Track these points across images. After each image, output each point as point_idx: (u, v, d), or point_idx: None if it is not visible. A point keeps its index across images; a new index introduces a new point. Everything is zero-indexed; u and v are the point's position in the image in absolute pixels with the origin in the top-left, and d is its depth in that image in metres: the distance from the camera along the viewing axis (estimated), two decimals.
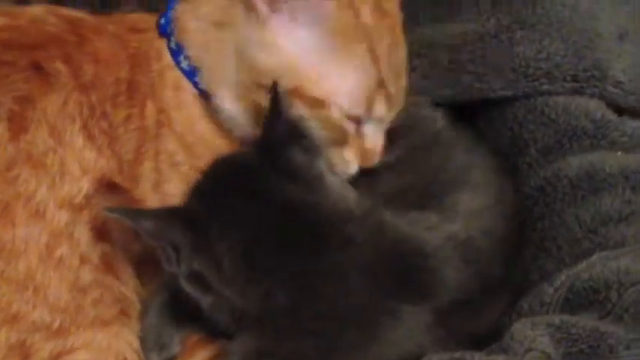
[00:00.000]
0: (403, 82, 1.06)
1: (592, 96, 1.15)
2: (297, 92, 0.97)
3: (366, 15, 1.02)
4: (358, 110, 1.01)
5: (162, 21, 1.07)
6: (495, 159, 1.12)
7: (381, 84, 1.02)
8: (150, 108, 1.03)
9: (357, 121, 1.02)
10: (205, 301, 0.91)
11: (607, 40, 1.18)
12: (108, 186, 0.99)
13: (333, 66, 1.00)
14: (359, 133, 1.04)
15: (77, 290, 0.96)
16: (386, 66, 1.02)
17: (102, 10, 1.19)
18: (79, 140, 0.97)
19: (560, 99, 1.15)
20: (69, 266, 0.95)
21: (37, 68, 0.98)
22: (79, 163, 0.97)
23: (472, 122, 1.18)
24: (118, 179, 1.00)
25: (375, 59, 1.01)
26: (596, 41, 1.17)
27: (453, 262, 0.92)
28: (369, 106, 1.02)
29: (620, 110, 1.15)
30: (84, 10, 1.12)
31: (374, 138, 1.05)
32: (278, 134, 0.93)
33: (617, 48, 1.19)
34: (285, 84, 0.94)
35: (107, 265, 0.98)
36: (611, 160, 1.06)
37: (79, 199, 0.96)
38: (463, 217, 0.98)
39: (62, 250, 0.95)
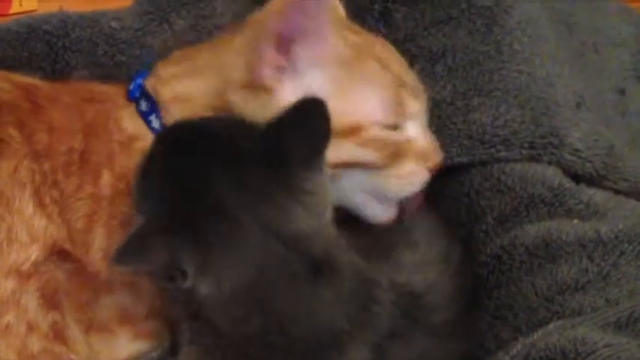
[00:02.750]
0: (414, 75, 1.12)
1: (549, 163, 1.17)
2: (336, 131, 0.98)
3: (352, 36, 1.09)
4: (394, 117, 1.06)
5: (131, 87, 1.12)
6: (441, 224, 1.15)
7: (400, 82, 1.08)
8: (106, 177, 1.05)
9: (402, 128, 1.08)
10: (175, 294, 0.93)
11: (564, 108, 1.22)
12: (59, 253, 1.00)
13: (351, 91, 1.06)
14: (408, 140, 1.08)
15: (25, 358, 0.96)
16: (394, 64, 1.09)
17: (53, 77, 1.23)
18: (29, 207, 0.99)
19: (517, 166, 1.17)
20: (16, 334, 0.96)
21: None
22: (27, 231, 0.98)
23: (428, 188, 1.18)
24: (68, 247, 1.01)
25: (383, 64, 1.07)
26: (554, 108, 1.20)
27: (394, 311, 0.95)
28: (401, 106, 1.07)
29: (576, 178, 1.18)
30: (35, 76, 1.16)
31: (423, 136, 1.10)
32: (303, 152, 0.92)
33: (574, 116, 1.22)
34: None
35: (57, 334, 0.99)
36: (568, 228, 1.08)
37: (26, 267, 0.97)
38: (407, 270, 1.02)
39: (9, 317, 0.96)
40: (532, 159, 1.18)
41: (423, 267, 1.04)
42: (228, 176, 0.91)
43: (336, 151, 0.98)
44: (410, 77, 1.13)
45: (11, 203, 0.98)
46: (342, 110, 1.01)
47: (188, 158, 0.93)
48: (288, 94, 1.04)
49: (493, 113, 1.20)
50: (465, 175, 1.20)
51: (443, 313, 1.02)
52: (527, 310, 1.04)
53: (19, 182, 0.99)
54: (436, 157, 1.11)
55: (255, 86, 1.05)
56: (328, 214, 0.95)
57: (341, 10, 1.18)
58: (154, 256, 0.88)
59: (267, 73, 1.04)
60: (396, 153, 1.07)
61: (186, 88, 1.11)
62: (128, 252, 0.88)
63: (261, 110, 1.02)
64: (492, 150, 1.19)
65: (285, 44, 1.04)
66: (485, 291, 1.10)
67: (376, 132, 1.05)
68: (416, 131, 1.11)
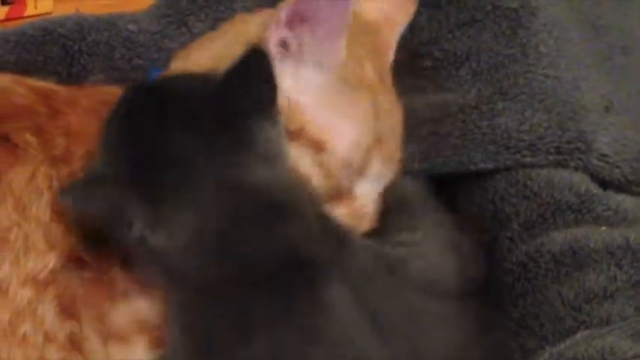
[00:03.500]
0: (399, 145, 1.10)
1: (576, 169, 1.16)
2: (300, 133, 1.01)
3: (369, 71, 1.08)
4: (356, 163, 1.05)
5: None
6: (458, 224, 1.13)
7: (379, 141, 1.06)
8: None
9: (352, 178, 1.06)
10: (139, 256, 0.95)
11: (591, 112, 1.20)
12: (77, 261, 0.99)
13: (339, 112, 1.04)
14: (352, 192, 1.07)
15: None
16: (386, 125, 1.07)
17: (68, 81, 1.23)
18: (47, 214, 0.98)
19: (543, 172, 1.16)
20: (33, 344, 0.96)
21: (4, 139, 0.99)
22: (45, 238, 0.98)
23: (452, 196, 1.20)
24: (84, 254, 1.00)
25: (376, 115, 1.05)
26: (581, 113, 1.19)
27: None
28: (367, 161, 1.05)
29: (604, 184, 1.17)
30: (50, 80, 1.15)
31: (367, 199, 1.08)
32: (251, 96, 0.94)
33: (602, 120, 1.21)
34: (289, 125, 0.98)
35: (74, 344, 0.99)
36: (596, 236, 1.07)
37: (44, 275, 0.97)
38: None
39: (25, 327, 0.95)
40: (558, 164, 1.17)
41: (420, 245, 1.05)
42: (183, 130, 0.93)
43: (296, 156, 1.00)
44: (392, 148, 1.12)
45: (28, 210, 0.98)
46: (319, 124, 1.02)
47: (146, 114, 0.96)
48: (286, 76, 1.03)
49: (518, 118, 1.19)
50: (489, 181, 1.19)
51: (441, 282, 1.02)
52: (553, 319, 1.03)
53: (37, 189, 0.99)
54: (365, 224, 1.08)
55: None
56: (284, 164, 0.97)
57: (375, 41, 1.18)
58: (97, 200, 0.91)
59: (273, 44, 1.04)
60: (335, 196, 1.06)
61: (198, 60, 1.12)
62: (73, 191, 0.92)
63: None
64: (518, 155, 1.17)
65: (297, 21, 1.03)
66: (511, 299, 1.09)
67: (334, 163, 1.04)
68: (365, 191, 1.09)
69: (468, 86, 1.25)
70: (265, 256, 0.92)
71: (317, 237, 0.94)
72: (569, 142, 1.17)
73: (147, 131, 0.94)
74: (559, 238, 1.09)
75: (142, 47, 1.31)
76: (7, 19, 1.72)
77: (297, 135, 1.01)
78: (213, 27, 1.27)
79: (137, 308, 1.02)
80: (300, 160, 1.03)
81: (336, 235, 0.97)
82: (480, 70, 1.25)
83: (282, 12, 1.03)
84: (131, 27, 1.31)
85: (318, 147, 1.03)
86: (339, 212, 1.05)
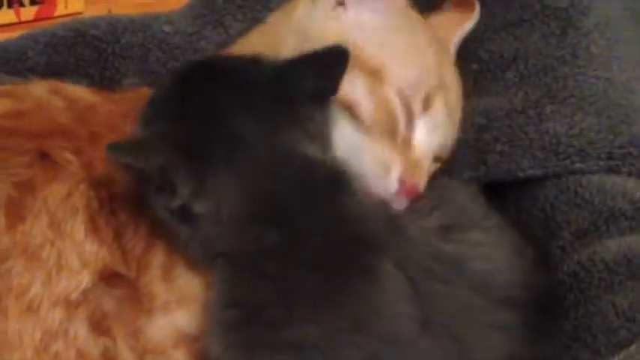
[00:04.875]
0: (458, 119, 1.13)
1: (629, 175, 1.15)
2: (357, 60, 1.01)
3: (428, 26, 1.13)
4: (415, 101, 1.06)
5: None
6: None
7: (442, 87, 1.08)
8: None
9: (410, 121, 1.06)
10: (184, 231, 0.96)
11: None
12: (109, 277, 0.99)
13: (400, 47, 1.09)
14: (408, 139, 1.07)
15: None
16: (450, 79, 1.11)
17: (101, 84, 1.23)
18: (81, 232, 0.98)
19: (595, 178, 1.14)
20: None
21: (43, 155, 0.99)
22: (78, 256, 0.97)
23: (501, 204, 1.18)
24: (121, 269, 1.00)
25: (439, 65, 1.08)
26: (633, 116, 1.18)
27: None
28: (428, 101, 1.07)
29: None
30: (82, 82, 1.16)
31: (423, 150, 1.08)
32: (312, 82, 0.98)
33: None
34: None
35: None
36: None
37: (75, 295, 0.96)
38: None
39: (57, 346, 0.95)
40: (610, 170, 1.16)
41: (485, 245, 1.04)
42: (237, 105, 0.96)
43: (348, 83, 1.01)
44: (457, 102, 1.14)
45: (62, 228, 0.98)
46: (378, 53, 1.05)
47: (202, 88, 0.99)
48: (350, 14, 1.09)
49: (568, 122, 1.18)
50: (539, 188, 1.18)
51: (503, 288, 1.01)
52: (606, 331, 1.02)
53: (72, 207, 0.99)
54: (417, 176, 1.07)
55: None
56: (332, 148, 1.01)
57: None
58: (150, 156, 0.92)
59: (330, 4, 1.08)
60: (389, 130, 1.06)
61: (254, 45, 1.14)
62: (126, 146, 0.93)
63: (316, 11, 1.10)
64: (567, 161, 1.16)
65: None
66: (562, 310, 1.07)
67: (391, 94, 1.05)
68: (422, 137, 1.08)
69: (515, 90, 1.24)
70: (318, 231, 0.93)
71: (372, 216, 0.96)
72: (621, 147, 1.16)
73: (200, 103, 0.97)
74: (612, 247, 1.07)
75: (177, 49, 1.30)
76: (36, 20, 1.72)
77: (356, 61, 1.01)
78: (250, 27, 1.27)
79: (176, 320, 1.02)
80: (354, 86, 1.04)
81: (388, 219, 0.98)
82: (528, 72, 1.24)
83: None
84: (166, 28, 1.31)
85: (376, 75, 1.05)
86: (390, 155, 1.05)
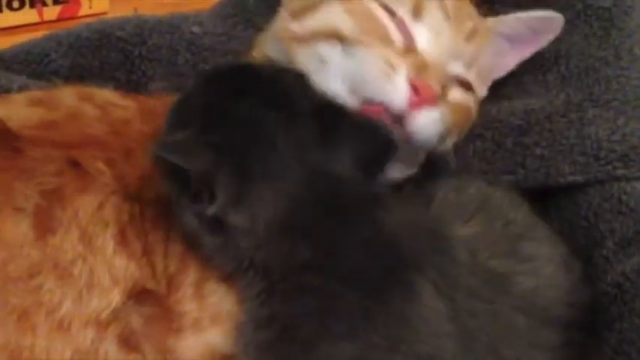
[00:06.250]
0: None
1: None
2: None
3: None
4: (400, 8, 1.07)
5: None
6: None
7: None
8: None
9: (403, 28, 1.06)
10: (211, 241, 0.96)
11: None
12: (139, 294, 0.98)
13: None
14: (411, 46, 1.07)
15: None
16: None
17: (128, 87, 1.22)
18: (110, 247, 0.97)
19: (639, 185, 1.13)
20: None
21: (73, 163, 0.98)
22: (109, 273, 0.97)
23: (541, 211, 1.15)
24: (151, 285, 1.00)
25: None
26: None
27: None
28: (418, 9, 1.07)
29: None
30: (108, 85, 1.15)
31: (429, 51, 1.07)
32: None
33: None
34: None
35: None
36: None
37: (106, 314, 0.96)
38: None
39: None
40: None
41: (535, 259, 1.04)
42: (281, 120, 0.96)
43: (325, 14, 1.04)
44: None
45: (93, 242, 0.97)
46: None
47: (240, 96, 0.98)
48: None
49: (610, 126, 1.17)
50: (581, 195, 1.16)
51: (549, 307, 1.01)
52: None
53: (103, 220, 0.98)
54: (431, 75, 1.06)
55: None
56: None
57: None
58: (197, 157, 0.91)
59: None
60: (381, 37, 1.06)
61: None
62: (174, 145, 0.92)
63: None
64: (609, 167, 1.15)
65: None
66: (606, 323, 1.05)
67: (366, 2, 1.07)
68: (425, 42, 1.08)
69: (556, 92, 1.23)
70: (355, 246, 0.92)
71: (412, 232, 0.95)
72: None
73: (241, 112, 0.96)
74: None
75: (207, 51, 1.29)
76: (60, 20, 1.72)
77: None
78: None
79: (210, 339, 1.02)
80: (331, 14, 1.08)
81: (430, 234, 0.97)
82: (569, 74, 1.23)
83: None
84: (195, 29, 1.30)
85: None
86: (397, 60, 1.05)
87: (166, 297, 1.00)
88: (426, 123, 1.05)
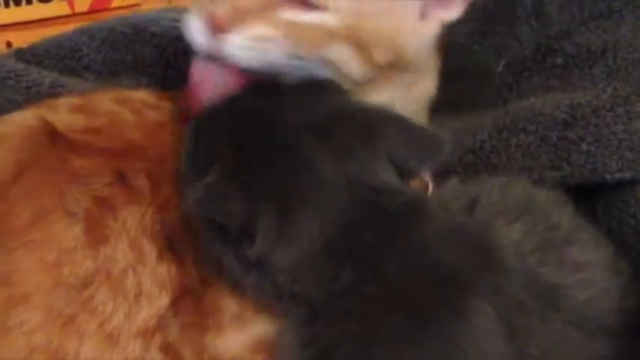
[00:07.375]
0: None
1: None
2: None
3: None
4: None
5: None
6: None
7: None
8: None
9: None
10: (249, 279, 0.95)
11: None
12: (176, 304, 0.99)
13: None
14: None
15: None
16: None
17: (163, 83, 1.22)
18: (154, 256, 0.99)
19: None
20: None
21: (122, 177, 1.00)
22: (156, 283, 0.98)
23: (588, 209, 1.15)
24: (190, 285, 1.01)
25: None
26: None
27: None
28: None
29: None
30: (143, 81, 1.15)
31: None
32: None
33: None
34: None
35: None
36: None
37: (152, 324, 0.97)
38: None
39: None
40: None
41: (586, 267, 1.01)
42: (316, 140, 0.94)
43: None
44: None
45: (142, 252, 0.98)
46: None
47: (266, 119, 0.97)
48: None
49: None
50: (630, 192, 1.14)
51: (600, 317, 0.99)
52: None
53: (146, 230, 0.99)
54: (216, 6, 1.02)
55: None
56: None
57: None
58: (235, 212, 0.90)
59: None
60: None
61: None
62: (209, 199, 0.91)
63: None
64: None
65: None
66: None
67: None
68: None
69: (603, 86, 1.21)
70: (401, 267, 0.91)
71: (460, 246, 0.93)
72: None
73: (270, 136, 0.95)
74: None
75: None
76: (91, 12, 1.71)
77: None
78: None
79: (252, 331, 1.02)
80: None
81: (480, 247, 0.95)
82: (617, 67, 1.22)
83: None
84: None
85: None
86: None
87: (202, 296, 1.01)
88: (233, 46, 1.02)
